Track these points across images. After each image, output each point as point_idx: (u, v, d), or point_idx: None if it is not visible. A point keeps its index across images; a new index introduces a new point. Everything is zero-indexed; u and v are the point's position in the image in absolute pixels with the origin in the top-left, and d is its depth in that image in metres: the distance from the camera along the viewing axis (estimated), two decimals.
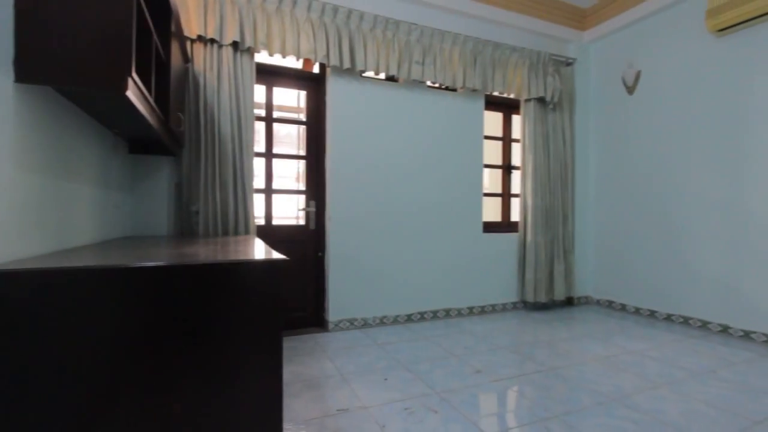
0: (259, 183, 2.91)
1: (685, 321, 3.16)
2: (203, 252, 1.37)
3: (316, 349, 2.57)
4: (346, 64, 2.86)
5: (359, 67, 2.91)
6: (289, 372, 2.18)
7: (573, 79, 3.89)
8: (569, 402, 1.86)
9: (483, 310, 3.54)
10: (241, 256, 1.21)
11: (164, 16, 1.74)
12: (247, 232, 2.60)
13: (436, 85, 3.35)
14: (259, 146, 2.94)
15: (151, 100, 1.43)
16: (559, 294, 3.67)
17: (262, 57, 2.84)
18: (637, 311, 3.52)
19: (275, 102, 3.01)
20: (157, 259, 1.10)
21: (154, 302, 1.00)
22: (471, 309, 3.48)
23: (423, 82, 3.26)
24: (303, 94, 3.11)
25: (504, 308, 3.64)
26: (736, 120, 2.87)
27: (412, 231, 3.24)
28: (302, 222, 3.08)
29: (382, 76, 3.15)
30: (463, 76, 3.29)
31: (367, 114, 3.07)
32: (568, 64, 3.82)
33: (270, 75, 2.94)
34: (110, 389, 0.96)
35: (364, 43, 2.94)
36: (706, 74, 3.04)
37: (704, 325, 3.04)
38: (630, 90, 3.61)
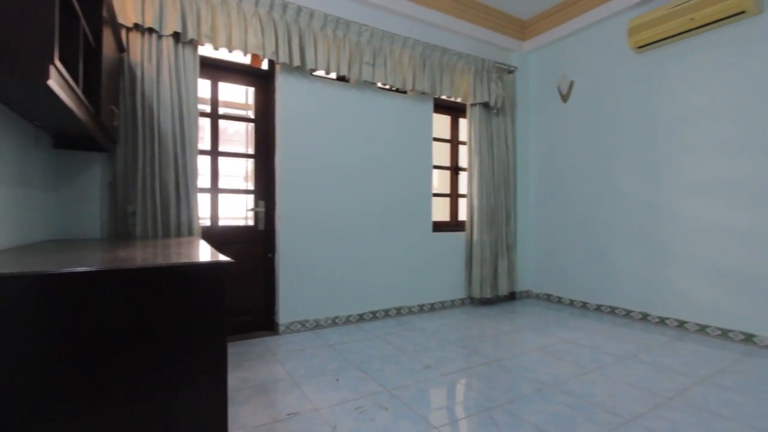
0: (205, 182, 2.78)
1: (612, 311, 3.47)
2: (140, 255, 1.28)
3: (266, 353, 2.51)
4: (296, 62, 2.81)
5: (310, 65, 2.88)
6: (236, 378, 2.10)
7: (514, 86, 4.12)
8: (511, 391, 1.97)
9: (433, 307, 3.64)
10: (183, 259, 1.16)
11: (94, 0, 1.61)
12: (190, 233, 2.48)
13: (387, 86, 3.40)
14: (204, 144, 2.81)
15: (79, 91, 1.32)
16: (503, 289, 3.87)
17: (206, 50, 2.72)
18: (572, 303, 3.81)
19: (222, 98, 2.89)
20: (86, 263, 1.02)
21: (83, 312, 0.93)
22: (421, 306, 3.57)
23: (374, 84, 3.29)
24: (251, 90, 3.02)
25: (453, 304, 3.77)
26: (652, 128, 3.20)
27: (364, 231, 3.26)
28: (251, 222, 2.99)
29: (333, 75, 3.14)
30: (413, 79, 3.37)
31: (318, 113, 3.04)
32: (510, 72, 4.04)
33: (215, 69, 2.82)
34: (36, 409, 0.87)
35: (315, 41, 2.92)
36: (628, 86, 3.36)
37: (628, 313, 3.36)
38: (564, 98, 3.90)
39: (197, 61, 2.54)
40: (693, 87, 2.96)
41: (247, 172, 3.20)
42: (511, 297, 4.10)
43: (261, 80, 2.99)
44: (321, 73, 3.08)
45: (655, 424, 1.65)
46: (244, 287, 2.88)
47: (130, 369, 0.98)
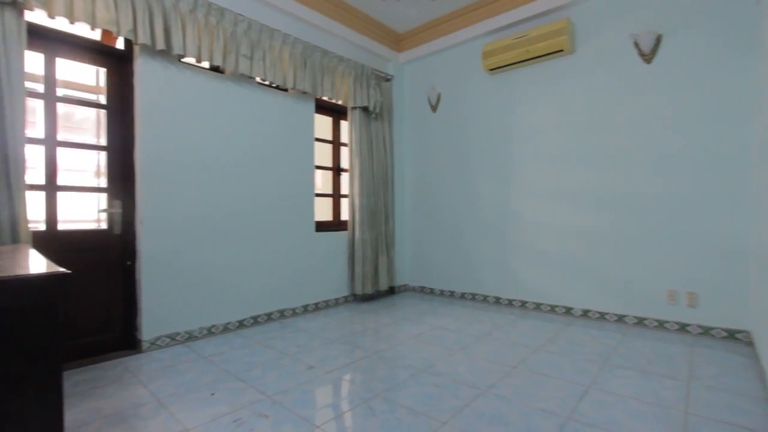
0: (38, 177, 2.29)
1: (473, 297, 4.00)
2: None
3: (125, 375, 2.20)
4: (160, 45, 2.52)
5: (177, 50, 2.61)
6: (85, 410, 1.80)
7: (391, 94, 4.39)
8: (388, 379, 2.12)
9: (317, 307, 3.66)
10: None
11: None
12: (15, 240, 2.02)
13: (267, 82, 3.28)
14: (38, 131, 2.32)
15: None
16: (383, 285, 4.11)
17: (39, 17, 2.24)
18: (442, 293, 4.26)
19: (63, 77, 2.41)
20: None
21: None
22: (305, 307, 3.56)
23: (252, 78, 3.15)
24: (103, 71, 2.59)
25: (337, 303, 3.85)
26: (503, 139, 3.78)
27: (242, 232, 3.09)
28: (104, 226, 2.57)
29: (206, 65, 2.91)
30: (294, 77, 3.32)
31: (188, 104, 2.77)
32: (387, 80, 4.30)
33: (52, 42, 2.34)
34: None
35: (183, 24, 2.65)
36: (484, 102, 3.90)
37: (485, 298, 3.91)
38: (433, 108, 4.31)
39: (23, 28, 2.08)
40: (530, 107, 3.59)
41: (98, 166, 2.73)
42: (391, 291, 4.38)
43: (115, 61, 2.59)
44: (191, 60, 2.82)
45: (503, 390, 1.98)
46: (95, 302, 2.47)
47: None
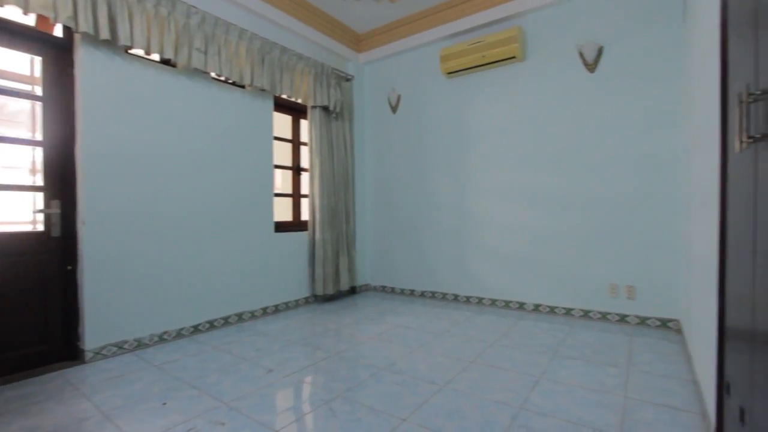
0: None
1: (433, 295, 4.09)
2: None
3: (66, 388, 2.05)
4: (105, 35, 2.36)
5: (123, 41, 2.46)
6: (18, 429, 1.66)
7: (352, 94, 4.38)
8: (350, 379, 2.13)
9: (277, 309, 3.59)
10: None
11: None
12: None
13: (222, 78, 3.17)
14: None
15: None
16: (345, 285, 4.10)
17: None
18: (402, 292, 4.32)
19: None
20: None
21: None
22: (265, 309, 3.48)
23: (207, 73, 3.03)
24: (39, 60, 2.39)
25: (297, 304, 3.79)
26: (460, 142, 3.89)
27: (197, 233, 2.97)
28: (41, 228, 2.37)
29: (156, 57, 2.76)
30: (251, 74, 3.23)
31: (135, 98, 2.62)
32: (348, 80, 4.29)
33: None
34: None
35: (130, 14, 2.51)
36: (442, 105, 4.00)
37: (443, 296, 4.01)
38: (394, 109, 4.36)
39: None
40: (485, 111, 3.73)
41: (34, 163, 2.52)
42: (352, 291, 4.38)
43: (53, 49, 2.39)
44: (140, 52, 2.67)
45: (461, 385, 2.05)
46: (30, 311, 2.27)
47: None
